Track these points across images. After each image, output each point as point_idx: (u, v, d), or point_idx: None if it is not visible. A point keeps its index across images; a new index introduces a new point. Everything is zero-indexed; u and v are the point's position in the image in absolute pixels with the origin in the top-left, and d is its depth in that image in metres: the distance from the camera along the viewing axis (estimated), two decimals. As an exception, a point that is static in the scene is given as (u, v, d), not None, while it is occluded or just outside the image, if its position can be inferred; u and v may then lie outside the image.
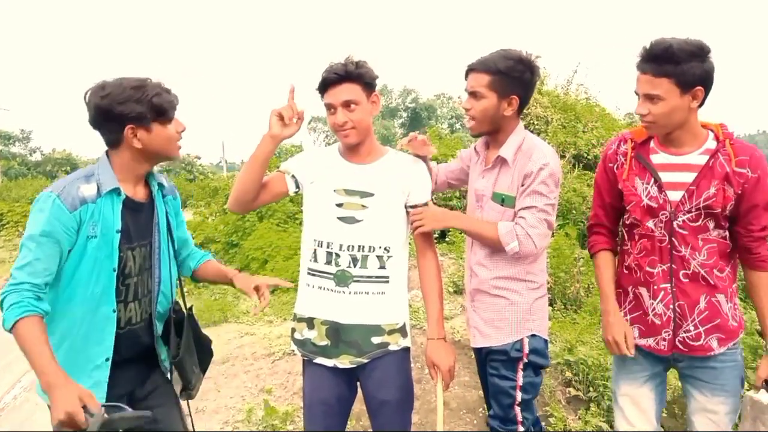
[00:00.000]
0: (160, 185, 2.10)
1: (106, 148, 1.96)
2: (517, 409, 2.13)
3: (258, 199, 2.16)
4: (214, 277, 2.32)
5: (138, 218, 1.99)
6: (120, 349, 1.95)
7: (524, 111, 10.32)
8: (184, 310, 2.22)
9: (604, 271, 2.23)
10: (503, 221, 2.14)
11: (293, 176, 2.19)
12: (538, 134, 10.37)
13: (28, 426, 1.98)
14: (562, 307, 5.40)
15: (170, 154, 1.99)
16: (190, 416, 2.23)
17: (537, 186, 2.08)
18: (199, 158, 47.98)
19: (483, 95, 2.11)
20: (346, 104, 2.02)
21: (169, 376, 2.14)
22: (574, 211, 7.73)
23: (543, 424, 3.51)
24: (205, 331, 6.61)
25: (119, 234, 1.90)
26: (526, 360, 2.14)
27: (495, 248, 2.16)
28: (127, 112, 1.84)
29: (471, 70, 2.14)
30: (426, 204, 2.19)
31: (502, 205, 2.16)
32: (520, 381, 2.13)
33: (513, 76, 2.08)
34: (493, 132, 2.20)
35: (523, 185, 2.10)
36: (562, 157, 9.75)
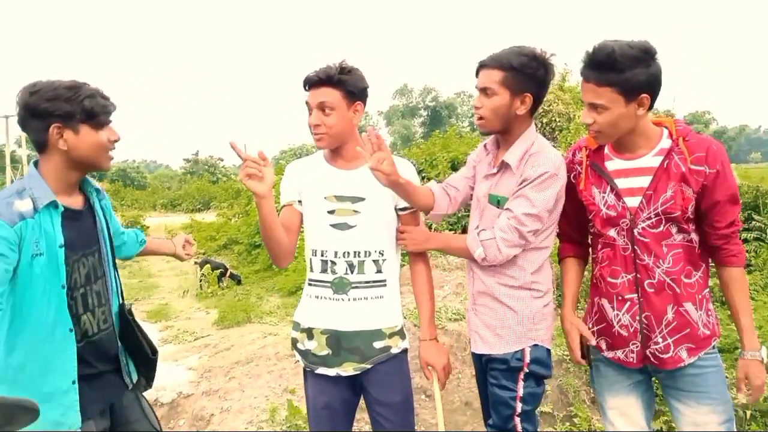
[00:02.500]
0: (97, 190, 2.03)
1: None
2: (517, 420, 2.06)
3: (291, 245, 2.13)
4: (153, 254, 2.55)
5: (79, 227, 1.90)
6: (87, 363, 1.88)
7: (545, 108, 10.14)
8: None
9: (564, 276, 2.21)
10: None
11: (299, 201, 2.16)
12: (560, 131, 10.28)
13: None
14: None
15: (98, 162, 1.88)
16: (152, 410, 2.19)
17: (527, 190, 1.97)
18: (222, 160, 48.51)
19: (495, 92, 2.00)
20: (321, 107, 2.00)
21: (129, 382, 2.08)
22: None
23: (567, 423, 3.51)
24: (229, 331, 6.66)
25: (63, 249, 1.80)
26: (527, 370, 2.06)
27: (474, 260, 2.09)
28: (53, 109, 1.75)
29: (482, 66, 2.04)
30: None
31: (497, 207, 2.07)
32: (521, 392, 2.05)
33: (526, 73, 1.98)
34: (503, 131, 2.10)
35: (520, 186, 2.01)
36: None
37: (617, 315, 1.96)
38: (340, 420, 2.14)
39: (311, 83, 2.02)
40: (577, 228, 2.15)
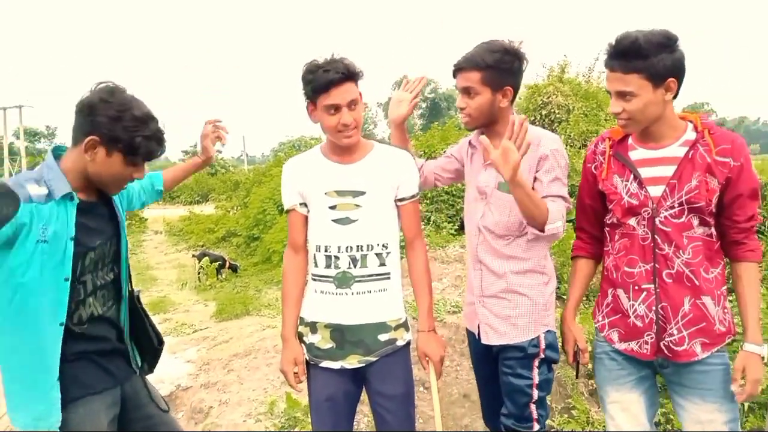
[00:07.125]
0: None
1: (68, 145, 1.88)
2: (533, 407, 2.11)
3: (304, 272, 2.20)
4: (183, 176, 2.52)
5: (94, 218, 1.91)
6: (96, 339, 1.91)
7: (544, 101, 10.13)
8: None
9: (573, 276, 2.24)
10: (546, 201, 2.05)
11: (300, 204, 2.16)
12: (559, 123, 10.25)
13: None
14: (584, 298, 5.34)
15: (108, 188, 1.90)
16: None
17: (558, 172, 2.07)
18: (220, 152, 48.35)
19: (477, 91, 2.08)
20: (351, 104, 1.97)
21: (135, 367, 2.10)
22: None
23: (565, 416, 3.51)
24: (228, 324, 6.65)
25: (72, 242, 1.79)
26: (542, 356, 2.11)
27: (530, 226, 2.04)
28: (108, 128, 1.74)
29: (459, 69, 2.11)
30: (414, 197, 2.16)
31: (509, 194, 2.05)
32: (536, 379, 2.11)
33: (503, 68, 2.06)
34: (489, 124, 2.15)
35: (538, 170, 2.07)
36: (584, 146, 9.63)
37: (633, 305, 1.96)
38: (342, 412, 2.14)
39: (336, 82, 1.93)
40: (595, 221, 2.15)
